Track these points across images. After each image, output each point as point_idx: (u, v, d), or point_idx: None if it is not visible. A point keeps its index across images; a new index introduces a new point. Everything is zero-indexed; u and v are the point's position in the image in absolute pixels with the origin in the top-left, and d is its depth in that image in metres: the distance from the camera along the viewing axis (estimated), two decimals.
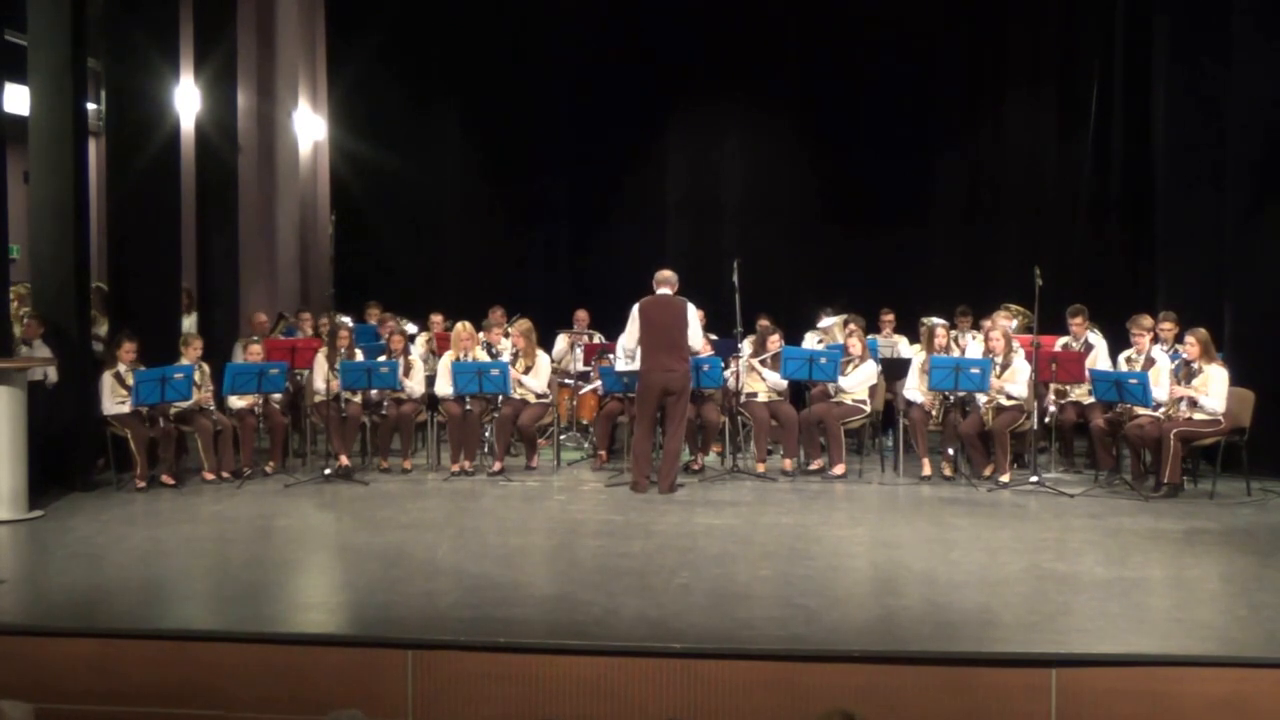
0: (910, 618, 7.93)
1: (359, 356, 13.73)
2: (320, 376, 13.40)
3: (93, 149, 14.99)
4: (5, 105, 12.13)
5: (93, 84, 14.34)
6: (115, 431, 12.42)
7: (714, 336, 14.17)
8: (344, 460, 13.12)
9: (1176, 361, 12.43)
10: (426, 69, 18.92)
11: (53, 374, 12.36)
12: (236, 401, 13.16)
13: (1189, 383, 12.10)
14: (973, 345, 14.10)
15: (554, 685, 7.15)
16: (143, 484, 12.24)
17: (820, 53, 18.17)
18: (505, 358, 13.68)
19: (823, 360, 13.37)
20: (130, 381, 12.26)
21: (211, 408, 12.96)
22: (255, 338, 14.29)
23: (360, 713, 5.58)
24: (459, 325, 13.68)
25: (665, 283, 12.47)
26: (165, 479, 12.42)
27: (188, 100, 15.69)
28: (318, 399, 13.53)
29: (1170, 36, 15.10)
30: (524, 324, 13.97)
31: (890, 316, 15.63)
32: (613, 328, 13.76)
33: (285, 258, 18.51)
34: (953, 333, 14.12)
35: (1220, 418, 12.00)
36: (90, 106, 14.16)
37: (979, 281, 16.99)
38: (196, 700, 7.31)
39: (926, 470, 13.04)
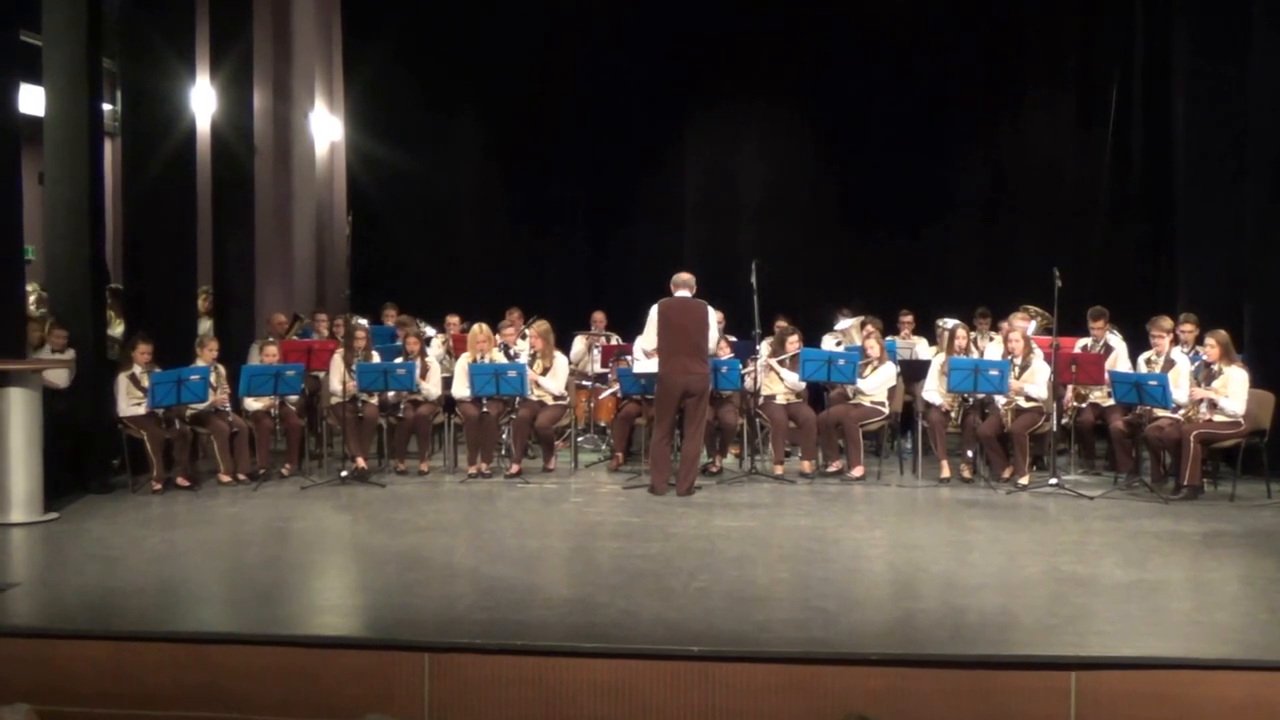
0: (929, 620, 7.90)
1: (375, 358, 13.71)
2: (337, 378, 13.38)
3: (108, 150, 15.01)
4: (21, 106, 12.13)
5: (108, 85, 14.34)
6: (131, 433, 12.40)
7: (732, 338, 14.13)
8: (360, 462, 13.11)
9: (1196, 363, 12.37)
10: (443, 70, 18.89)
11: (62, 379, 12.34)
12: (252, 403, 13.14)
13: (1209, 384, 12.05)
14: (991, 347, 14.05)
15: (571, 688, 7.11)
16: (158, 486, 12.22)
17: (838, 53, 18.11)
18: (523, 359, 13.64)
19: (841, 362, 13.33)
20: (146, 383, 12.24)
21: (227, 409, 12.95)
22: (272, 339, 14.28)
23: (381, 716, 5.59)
24: (476, 327, 13.66)
25: (683, 285, 12.43)
26: (181, 481, 12.40)
27: (204, 101, 15.68)
28: (334, 401, 13.51)
29: (1190, 34, 15.06)
30: (541, 325, 13.94)
31: (909, 318, 15.59)
32: (630, 329, 13.74)
33: (301, 259, 18.49)
34: (972, 334, 14.06)
35: (1240, 419, 11.95)
36: (106, 107, 14.17)
37: (998, 283, 16.88)
38: (212, 703, 7.29)
39: (945, 472, 13.00)
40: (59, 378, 12.22)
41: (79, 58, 12.29)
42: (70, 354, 12.38)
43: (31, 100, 12.90)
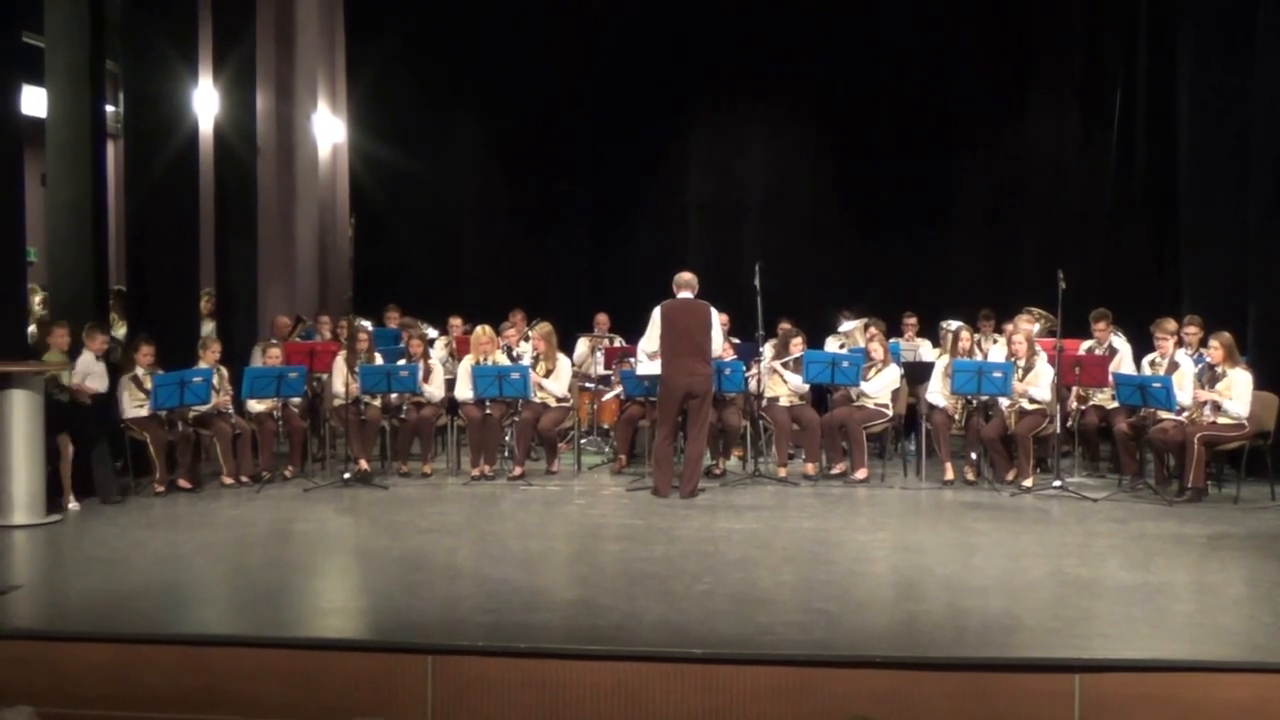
0: (932, 623, 7.87)
1: (378, 360, 13.70)
2: (340, 380, 13.37)
3: (111, 151, 15.00)
4: (23, 107, 12.11)
5: (111, 86, 14.32)
6: (133, 435, 12.39)
7: (736, 340, 14.11)
8: (363, 464, 13.10)
9: (1200, 365, 12.35)
10: (446, 71, 18.88)
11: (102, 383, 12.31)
12: (255, 405, 13.13)
13: (1213, 386, 12.02)
14: (995, 349, 14.03)
15: (574, 691, 7.09)
16: (161, 488, 12.20)
17: (842, 55, 18.09)
18: (525, 361, 13.63)
19: (845, 364, 13.31)
20: (148, 385, 12.22)
21: (230, 411, 12.94)
22: (274, 341, 14.25)
23: None
24: (479, 329, 13.65)
25: (686, 285, 12.42)
26: (183, 483, 12.37)
27: (206, 102, 15.67)
28: (337, 403, 13.51)
29: (1194, 38, 15.01)
30: (544, 327, 13.94)
31: (913, 320, 15.57)
32: (633, 331, 13.72)
33: (304, 261, 18.49)
34: (975, 336, 14.04)
35: (1244, 422, 11.92)
36: (108, 109, 14.14)
37: (1002, 285, 16.90)
38: (215, 706, 7.27)
39: (949, 474, 12.98)
40: (98, 382, 12.18)
41: (81, 59, 12.29)
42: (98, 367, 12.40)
43: (34, 102, 12.88)
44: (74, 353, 12.06)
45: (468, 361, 13.50)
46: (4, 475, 10.81)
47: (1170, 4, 15.90)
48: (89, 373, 12.00)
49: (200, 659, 7.42)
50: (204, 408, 12.62)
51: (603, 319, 16.17)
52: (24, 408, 10.87)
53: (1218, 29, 14.49)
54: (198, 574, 9.40)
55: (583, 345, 15.66)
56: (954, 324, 14.08)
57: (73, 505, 11.51)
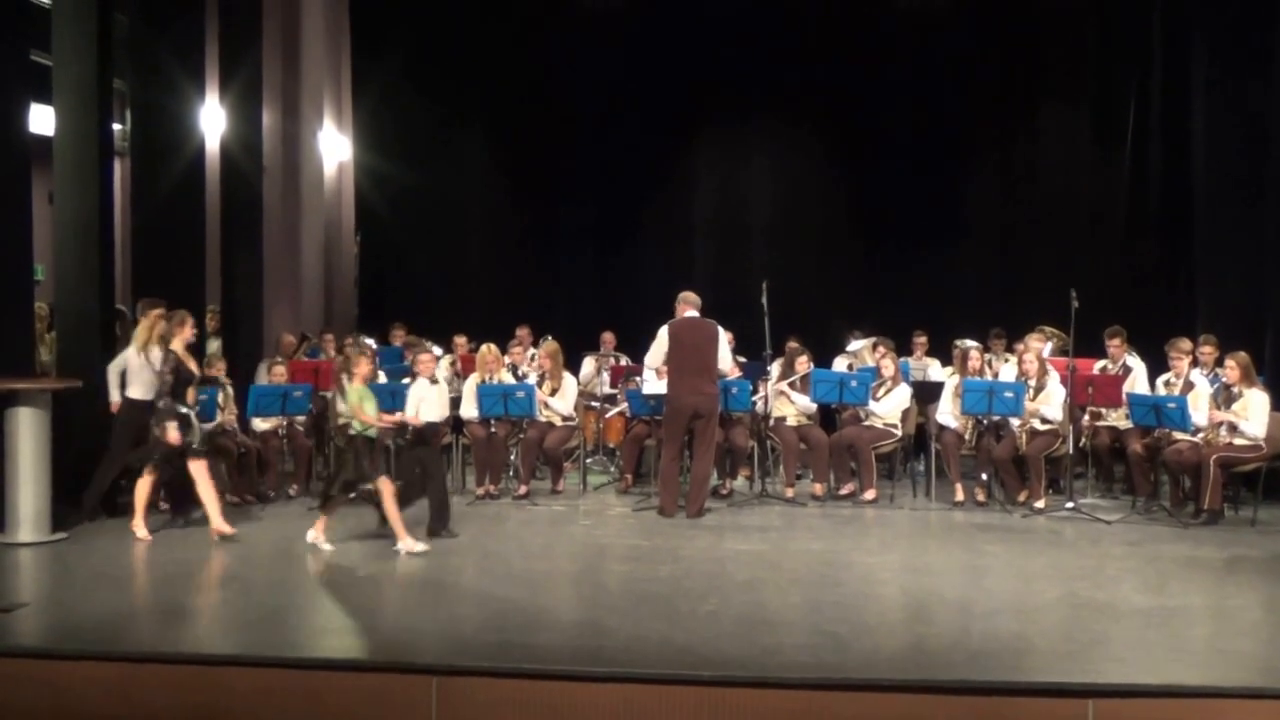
0: (942, 646, 7.81)
1: (382, 378, 13.63)
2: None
3: (118, 169, 14.93)
4: (30, 125, 12.09)
5: (118, 104, 14.27)
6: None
7: (742, 359, 14.05)
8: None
9: (1216, 385, 12.26)
10: (452, 89, 18.87)
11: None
12: (260, 423, 13.08)
13: (1229, 407, 11.94)
14: (1006, 368, 13.94)
15: (579, 712, 7.04)
16: (166, 506, 12.13)
17: (849, 71, 18.06)
18: (531, 380, 13.58)
19: (853, 383, 13.25)
20: None
21: (235, 429, 12.88)
22: (279, 358, 14.21)
23: None
24: (484, 347, 13.61)
25: (692, 304, 12.41)
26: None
27: (213, 120, 15.66)
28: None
29: (1209, 52, 15.02)
30: (551, 346, 13.92)
31: (922, 338, 15.49)
32: (639, 350, 13.65)
33: (309, 278, 18.45)
34: (987, 355, 13.96)
35: (1261, 443, 11.84)
36: (115, 126, 14.09)
37: (1013, 303, 16.85)
38: None
39: (959, 495, 12.91)
40: (434, 410, 11.80)
41: (89, 77, 12.25)
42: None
43: (41, 120, 12.84)
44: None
45: (473, 380, 13.44)
46: (10, 492, 10.80)
47: (1184, 17, 15.86)
48: (423, 398, 11.70)
49: (205, 678, 7.41)
50: (209, 426, 12.55)
51: (608, 337, 16.10)
52: (30, 425, 10.84)
53: (1232, 42, 14.50)
54: (202, 593, 9.35)
55: (588, 364, 15.63)
56: (970, 343, 13.98)
57: (140, 532, 11.15)
